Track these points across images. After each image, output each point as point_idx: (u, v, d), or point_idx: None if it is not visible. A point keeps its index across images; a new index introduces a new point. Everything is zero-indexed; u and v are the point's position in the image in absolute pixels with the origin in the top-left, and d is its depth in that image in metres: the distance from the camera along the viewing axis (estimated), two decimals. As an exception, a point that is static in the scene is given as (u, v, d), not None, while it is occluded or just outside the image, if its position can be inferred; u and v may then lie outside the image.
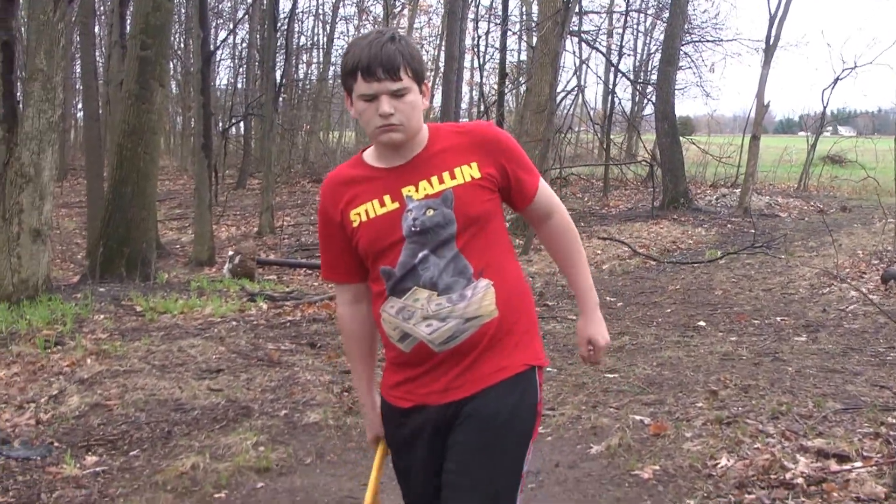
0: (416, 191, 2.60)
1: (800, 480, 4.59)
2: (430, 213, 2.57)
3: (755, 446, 5.14)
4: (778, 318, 9.20)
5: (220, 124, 30.66)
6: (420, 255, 2.57)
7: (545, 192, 2.80)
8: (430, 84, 2.70)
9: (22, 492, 5.01)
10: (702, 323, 9.20)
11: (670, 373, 7.07)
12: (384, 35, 2.53)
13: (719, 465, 4.96)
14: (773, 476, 4.69)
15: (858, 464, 4.75)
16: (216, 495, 4.96)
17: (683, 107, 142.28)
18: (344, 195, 2.68)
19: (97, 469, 5.33)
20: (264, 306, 10.58)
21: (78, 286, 11.95)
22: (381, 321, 2.69)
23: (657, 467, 5.07)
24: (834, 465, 4.76)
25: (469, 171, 2.62)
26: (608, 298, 10.94)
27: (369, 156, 2.72)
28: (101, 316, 9.67)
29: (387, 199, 2.62)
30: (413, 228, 2.57)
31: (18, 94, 10.78)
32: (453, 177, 2.61)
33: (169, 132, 41.40)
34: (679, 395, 6.38)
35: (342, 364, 7.85)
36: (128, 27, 17.20)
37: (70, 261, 17.31)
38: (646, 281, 12.30)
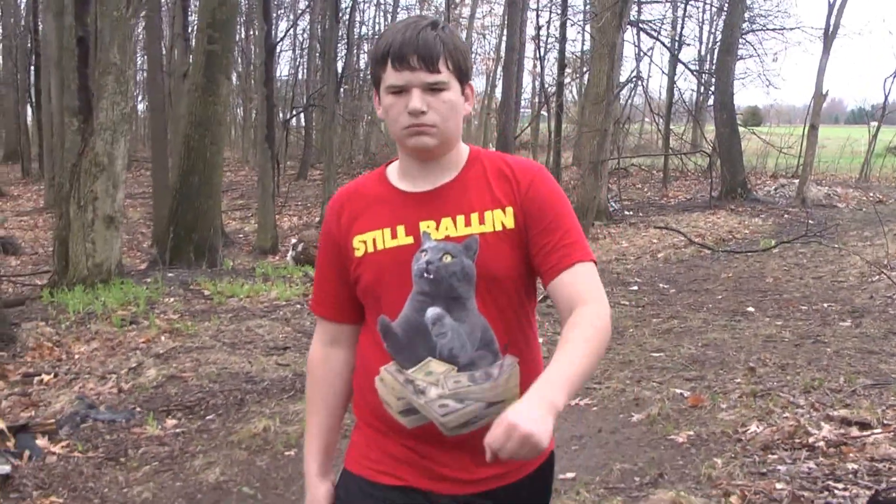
0: (437, 229, 2.13)
1: (821, 444, 5.07)
2: (448, 259, 2.10)
3: (784, 416, 5.61)
4: (825, 305, 9.60)
5: (282, 115, 31.41)
6: (431, 313, 2.10)
7: (586, 275, 2.13)
8: (474, 90, 2.20)
9: (110, 448, 5.67)
10: (750, 308, 9.62)
11: (714, 352, 7.54)
12: (424, 20, 2.10)
13: (749, 431, 5.45)
14: (797, 440, 5.17)
15: (878, 430, 5.21)
16: (286, 453, 5.58)
17: (749, 97, 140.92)
18: (352, 214, 2.22)
19: (177, 430, 5.99)
20: (326, 293, 11.23)
21: (147, 271, 12.70)
22: (378, 382, 2.17)
23: (692, 433, 5.57)
24: (855, 432, 5.23)
25: (502, 218, 2.14)
26: (661, 285, 11.42)
27: (393, 171, 2.24)
28: (171, 299, 10.37)
29: (400, 230, 2.14)
30: (426, 274, 2.10)
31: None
32: (482, 221, 2.13)
33: (230, 124, 42.39)
34: (719, 372, 6.85)
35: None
36: (190, 20, 17.94)
37: (136, 249, 18.09)
38: (699, 269, 12.73)
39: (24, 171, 32.30)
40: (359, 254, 2.18)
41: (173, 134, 19.91)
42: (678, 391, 6.45)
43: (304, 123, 34.91)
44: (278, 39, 25.17)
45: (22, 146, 33.14)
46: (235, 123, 44.54)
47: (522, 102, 29.99)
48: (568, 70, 26.33)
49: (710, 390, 6.39)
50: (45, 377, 7.46)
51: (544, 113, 28.46)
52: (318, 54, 33.27)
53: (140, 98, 34.37)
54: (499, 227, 2.13)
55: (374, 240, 2.16)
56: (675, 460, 5.22)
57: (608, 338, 2.10)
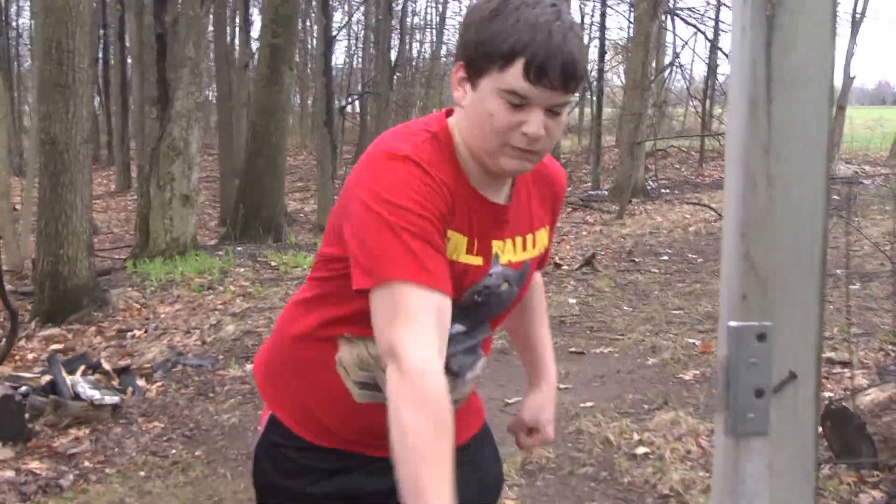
0: (503, 251, 1.83)
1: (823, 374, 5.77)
2: (505, 287, 1.84)
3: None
4: (837, 271, 10.20)
5: (338, 102, 32.23)
6: (457, 328, 1.78)
7: None
8: None
9: (199, 386, 6.51)
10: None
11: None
12: (565, 20, 1.64)
13: (746, 371, 6.16)
14: (784, 376, 5.87)
15: (857, 369, 5.90)
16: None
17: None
18: (449, 199, 1.70)
19: (255, 372, 6.82)
20: (384, 262, 12.11)
21: (218, 246, 13.59)
22: (343, 339, 1.82)
23: (697, 372, 6.30)
24: (836, 369, 5.93)
25: (542, 240, 1.94)
26: (690, 255, 12.09)
27: (465, 164, 1.77)
28: (242, 269, 11.22)
29: (475, 245, 1.77)
30: (477, 298, 1.81)
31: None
32: (534, 244, 1.91)
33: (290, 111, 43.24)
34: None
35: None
36: (251, 13, 18.71)
37: (204, 227, 18.99)
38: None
39: (94, 158, 33.43)
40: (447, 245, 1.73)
41: (235, 120, 20.83)
42: (691, 341, 7.16)
43: (359, 110, 35.64)
44: (337, 31, 25.97)
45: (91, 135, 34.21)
46: (294, 111, 45.45)
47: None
48: (608, 56, 26.90)
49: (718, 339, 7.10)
50: (137, 333, 8.35)
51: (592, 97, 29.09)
52: (372, 44, 34.06)
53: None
54: (541, 249, 1.94)
55: (455, 245, 1.74)
56: (681, 393, 5.95)
57: None
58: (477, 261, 1.77)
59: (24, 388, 5.92)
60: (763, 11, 1.20)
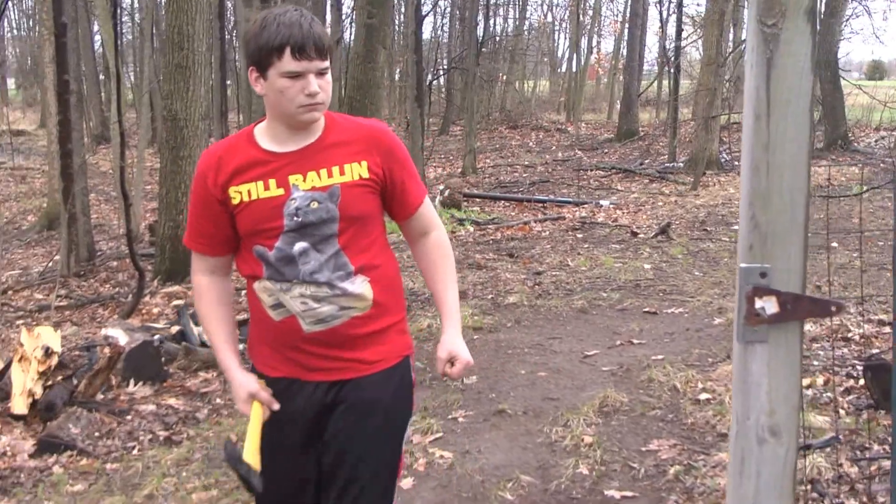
0: (304, 181, 2.45)
1: (856, 337, 6.18)
2: (315, 205, 2.44)
3: (835, 319, 6.71)
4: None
5: (426, 77, 32.72)
6: (298, 246, 2.45)
7: (428, 208, 2.68)
8: None
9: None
10: (834, 244, 10.57)
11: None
12: (306, 15, 2.38)
13: (805, 330, 6.57)
14: (838, 335, 6.29)
15: (906, 328, 6.29)
16: (443, 340, 6.98)
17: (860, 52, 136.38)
18: (226, 169, 2.49)
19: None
20: (471, 229, 12.74)
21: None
22: (255, 288, 2.52)
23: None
24: (886, 329, 6.31)
25: (358, 170, 2.49)
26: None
27: (261, 135, 2.51)
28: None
29: (272, 183, 2.46)
30: (295, 218, 2.43)
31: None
32: (342, 173, 2.48)
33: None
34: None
35: (534, 267, 9.87)
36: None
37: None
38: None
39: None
40: (235, 202, 2.46)
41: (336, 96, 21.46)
42: (756, 303, 7.59)
43: (445, 84, 36.07)
44: (427, 12, 26.43)
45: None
46: (334, 49, 45.79)
47: (649, 61, 30.58)
48: (686, 33, 26.92)
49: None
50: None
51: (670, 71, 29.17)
52: (458, 20, 34.47)
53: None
54: (356, 177, 2.48)
55: (248, 191, 2.45)
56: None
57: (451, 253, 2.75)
58: (279, 192, 2.45)
59: (158, 337, 6.59)
60: (764, 56, 1.76)
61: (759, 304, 1.84)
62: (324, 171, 2.46)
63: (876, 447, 4.43)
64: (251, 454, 2.47)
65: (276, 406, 2.52)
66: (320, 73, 2.39)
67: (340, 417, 2.53)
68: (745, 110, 1.85)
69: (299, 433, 2.57)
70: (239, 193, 2.46)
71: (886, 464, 4.20)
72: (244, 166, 2.47)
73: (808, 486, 4.05)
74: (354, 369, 2.54)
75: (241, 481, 2.48)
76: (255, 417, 2.52)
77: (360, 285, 2.48)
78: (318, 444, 2.58)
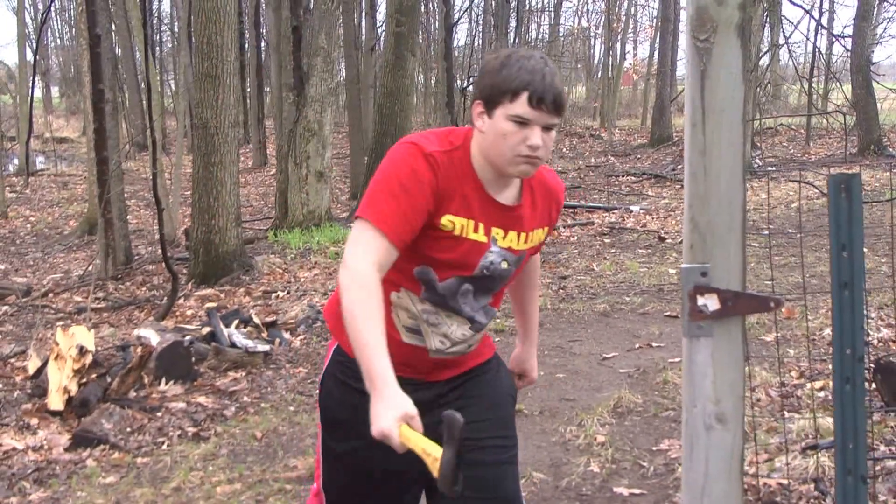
0: (503, 238, 2.42)
1: (875, 341, 6.25)
2: (504, 265, 2.43)
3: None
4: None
5: (459, 82, 32.93)
6: (465, 287, 2.42)
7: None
8: None
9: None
10: (864, 250, 10.59)
11: (817, 281, 8.66)
12: (551, 67, 2.32)
13: (823, 334, 6.66)
14: (855, 337, 6.36)
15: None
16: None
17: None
18: (448, 189, 2.34)
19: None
20: (499, 234, 12.87)
21: (349, 218, 14.45)
22: (397, 299, 2.43)
23: (778, 334, 6.81)
24: (902, 332, 6.39)
25: (541, 236, 2.54)
26: (789, 230, 12.45)
27: (478, 167, 2.39)
28: (371, 239, 12.03)
29: (481, 227, 2.38)
30: (485, 271, 2.41)
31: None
32: (530, 240, 2.49)
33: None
34: (816, 295, 7.99)
35: (560, 272, 9.98)
36: (377, 2, 19.39)
37: (336, 201, 19.93)
38: (826, 217, 13.60)
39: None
40: (446, 229, 2.33)
41: (363, 101, 21.69)
42: (776, 307, 7.65)
43: (479, 90, 36.04)
44: (456, 20, 26.61)
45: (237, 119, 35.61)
46: (417, 91, 46.25)
47: (677, 67, 30.56)
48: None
49: (803, 307, 7.58)
50: (280, 294, 9.22)
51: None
52: (491, 27, 34.61)
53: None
54: (536, 244, 2.51)
55: (462, 226, 2.34)
56: (761, 352, 6.48)
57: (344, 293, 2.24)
58: (482, 238, 2.38)
59: (189, 337, 6.79)
60: (698, 68, 1.91)
61: (701, 301, 1.97)
62: (522, 236, 2.45)
63: (882, 448, 4.52)
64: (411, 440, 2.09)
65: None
66: (546, 129, 2.30)
67: (467, 389, 2.55)
68: (685, 119, 1.98)
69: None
70: (452, 223, 2.35)
71: (891, 464, 4.30)
72: (462, 197, 2.36)
73: (812, 485, 4.15)
74: (454, 370, 2.56)
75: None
76: (414, 437, 2.08)
77: (487, 319, 2.52)
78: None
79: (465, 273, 2.38)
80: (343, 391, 2.51)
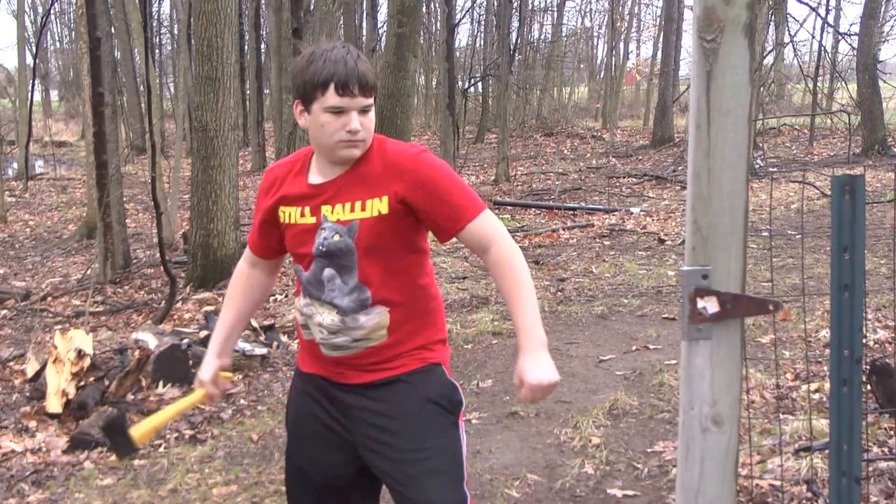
0: (332, 212, 2.55)
1: (871, 343, 6.30)
2: (336, 238, 2.53)
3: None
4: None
5: (460, 84, 32.94)
6: (326, 272, 2.55)
7: (478, 226, 2.56)
8: None
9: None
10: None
11: (814, 283, 8.72)
12: (353, 52, 2.47)
13: (819, 335, 6.71)
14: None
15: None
16: (465, 346, 7.19)
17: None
18: (279, 191, 2.66)
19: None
20: (498, 236, 12.94)
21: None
22: (296, 302, 2.71)
23: (774, 336, 6.86)
24: (902, 335, 6.44)
25: (378, 206, 2.52)
26: (789, 232, 12.50)
27: (313, 166, 2.64)
28: (370, 242, 12.12)
29: (307, 211, 2.59)
30: (321, 248, 2.54)
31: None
32: (363, 209, 2.53)
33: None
34: (814, 297, 8.05)
35: (559, 274, 10.04)
36: (378, 2, 19.45)
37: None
38: (826, 218, 13.65)
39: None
40: (282, 220, 2.64)
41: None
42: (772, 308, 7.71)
43: (481, 91, 36.28)
44: (457, 20, 26.67)
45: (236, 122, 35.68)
46: (418, 92, 46.30)
47: (681, 66, 30.59)
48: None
49: (800, 308, 7.63)
50: (278, 297, 9.27)
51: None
52: (493, 27, 34.66)
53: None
54: (375, 213, 2.50)
55: (290, 214, 2.61)
56: (756, 354, 6.54)
57: (525, 265, 2.57)
58: (312, 220, 2.56)
59: (186, 341, 6.85)
60: (704, 69, 1.93)
61: (700, 303, 2.01)
62: (347, 206, 2.53)
63: (875, 449, 4.57)
64: (144, 430, 2.69)
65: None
66: (363, 111, 2.46)
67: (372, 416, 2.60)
68: (689, 119, 2.00)
69: (330, 425, 2.67)
70: (284, 214, 2.63)
71: (883, 465, 4.35)
72: (292, 194, 2.61)
73: (804, 486, 4.20)
74: (375, 373, 2.60)
75: (112, 447, 2.72)
76: (185, 402, 2.85)
77: (376, 317, 2.54)
78: (349, 441, 2.66)
79: (310, 255, 2.56)
80: (292, 392, 2.87)
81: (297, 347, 2.97)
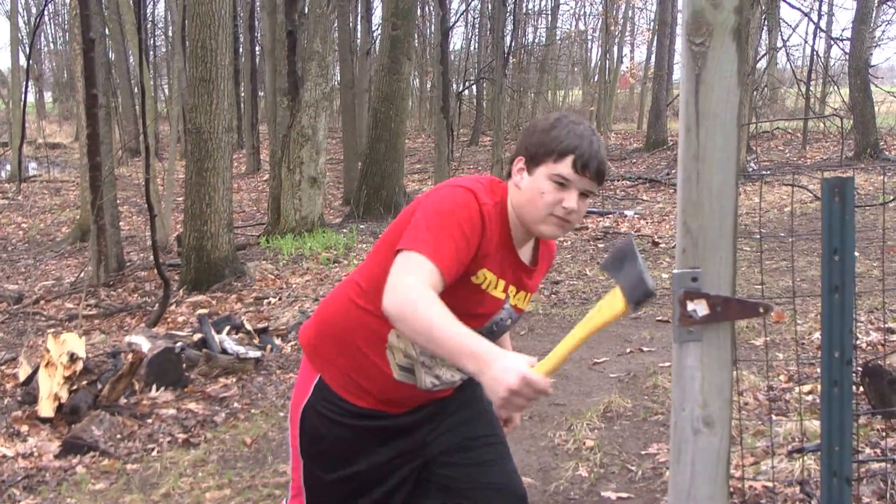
0: (514, 295, 2.51)
1: (863, 345, 6.31)
2: (509, 322, 2.53)
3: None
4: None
5: (455, 87, 32.95)
6: None
7: None
8: None
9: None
10: (855, 254, 10.66)
11: (807, 285, 8.72)
12: (598, 136, 2.40)
13: (812, 338, 6.71)
14: (845, 342, 6.42)
15: (908, 336, 6.42)
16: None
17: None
18: (491, 244, 2.39)
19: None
20: (492, 238, 12.94)
21: (343, 224, 14.52)
22: (396, 339, 2.47)
23: (767, 339, 6.87)
24: (894, 337, 6.44)
25: (530, 299, 2.60)
26: (781, 234, 12.51)
27: (512, 224, 2.46)
28: (364, 245, 12.11)
29: (501, 284, 2.46)
30: (494, 328, 2.50)
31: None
32: (528, 301, 2.58)
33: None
34: (806, 299, 8.06)
35: (552, 276, 10.05)
36: (373, 5, 19.47)
37: (328, 206, 19.99)
38: (819, 221, 13.66)
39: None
40: (476, 281, 2.39)
41: (357, 105, 21.74)
42: (767, 312, 7.72)
43: (475, 94, 36.28)
44: (452, 23, 26.69)
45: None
46: (412, 95, 46.31)
47: (674, 70, 30.63)
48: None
49: (792, 311, 7.64)
50: (272, 300, 9.27)
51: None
52: (488, 30, 34.68)
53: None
54: (529, 307, 2.60)
55: (490, 282, 2.41)
56: (750, 356, 6.55)
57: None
58: (501, 295, 2.47)
59: (180, 344, 6.84)
60: (693, 72, 1.94)
61: (690, 306, 2.01)
62: (523, 295, 2.53)
63: (868, 450, 4.58)
64: (549, 366, 2.08)
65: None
66: (583, 195, 2.38)
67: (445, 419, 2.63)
68: (679, 123, 2.00)
69: (383, 447, 2.59)
70: (484, 277, 2.41)
71: (875, 466, 4.36)
72: (497, 255, 2.42)
73: (797, 488, 4.21)
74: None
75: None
76: (548, 360, 2.09)
77: None
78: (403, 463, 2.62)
79: (475, 325, 2.29)
80: (330, 426, 2.57)
81: (300, 357, 2.65)
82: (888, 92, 23.14)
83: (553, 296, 9.16)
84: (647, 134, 28.03)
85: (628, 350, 7.00)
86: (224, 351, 6.86)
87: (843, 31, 29.95)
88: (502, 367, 1.97)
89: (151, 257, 9.67)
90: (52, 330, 8.43)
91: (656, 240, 12.64)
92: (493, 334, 2.50)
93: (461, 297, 2.34)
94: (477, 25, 38.83)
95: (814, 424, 4.92)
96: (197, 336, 7.17)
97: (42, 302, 10.53)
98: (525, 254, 2.52)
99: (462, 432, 2.62)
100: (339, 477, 2.60)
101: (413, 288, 2.15)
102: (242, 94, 30.16)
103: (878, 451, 4.58)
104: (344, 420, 2.54)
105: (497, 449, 2.67)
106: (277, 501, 4.51)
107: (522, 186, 2.39)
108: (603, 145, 2.39)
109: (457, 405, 2.65)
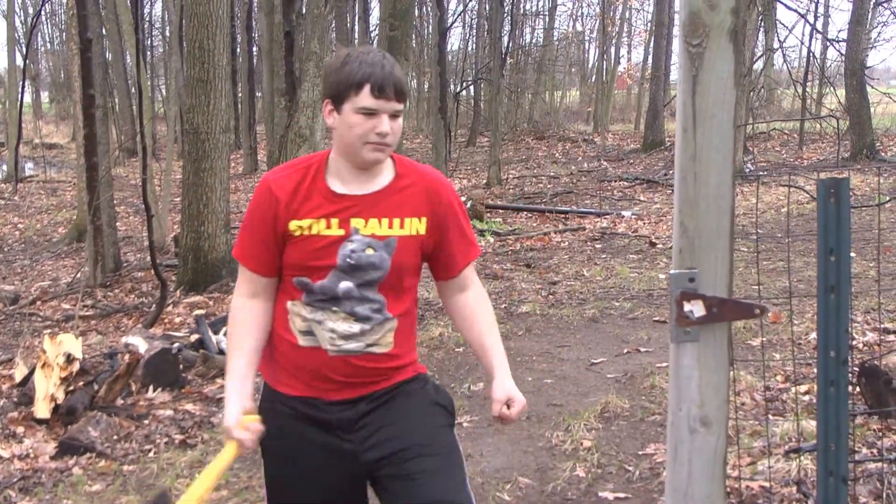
0: (365, 226, 2.51)
1: (860, 345, 6.32)
2: (370, 252, 2.50)
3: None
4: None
5: (453, 87, 32.91)
6: (343, 285, 2.50)
7: (471, 268, 2.73)
8: None
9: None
10: (851, 254, 10.66)
11: (804, 286, 8.73)
12: (389, 58, 2.48)
13: (809, 338, 6.72)
14: (842, 342, 6.43)
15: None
16: (456, 349, 7.17)
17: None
18: (290, 202, 2.52)
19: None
20: (491, 240, 12.98)
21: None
22: (288, 307, 2.57)
23: (764, 339, 6.87)
24: (890, 337, 6.45)
25: (417, 226, 2.56)
26: (778, 234, 12.52)
27: (329, 172, 2.55)
28: (362, 245, 12.11)
29: (334, 222, 2.50)
30: (348, 260, 2.49)
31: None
32: (402, 226, 2.54)
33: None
34: (803, 300, 8.06)
35: (550, 277, 10.06)
36: (370, 6, 19.47)
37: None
38: (815, 222, 13.67)
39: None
40: (297, 234, 2.49)
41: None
42: (763, 312, 7.73)
43: (473, 94, 36.25)
44: (449, 24, 26.68)
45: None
46: (410, 95, 46.14)
47: (671, 71, 30.65)
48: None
49: (789, 311, 7.64)
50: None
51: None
52: (485, 31, 34.67)
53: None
54: (413, 233, 2.54)
55: (309, 226, 2.48)
56: (747, 356, 6.55)
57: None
58: (339, 232, 2.49)
59: (177, 345, 6.83)
60: (690, 73, 1.94)
61: (687, 307, 2.02)
62: (385, 221, 2.52)
63: (864, 450, 4.58)
64: (200, 494, 2.45)
65: (249, 447, 2.53)
66: (393, 116, 2.44)
67: (382, 414, 2.58)
68: (676, 123, 2.01)
69: (321, 451, 2.58)
70: (300, 228, 2.49)
71: (872, 466, 4.36)
72: (308, 202, 2.50)
73: (794, 487, 4.21)
74: (373, 385, 2.58)
75: None
76: (220, 461, 2.54)
77: (388, 324, 2.54)
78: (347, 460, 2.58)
79: (330, 268, 2.48)
80: (272, 421, 2.59)
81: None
82: (884, 93, 23.14)
83: (550, 296, 9.16)
84: (645, 134, 28.03)
85: (625, 350, 7.01)
86: (221, 352, 6.84)
87: (839, 32, 30.09)
88: (226, 411, 2.55)
89: (148, 258, 9.68)
90: (49, 331, 8.41)
91: (653, 240, 12.66)
92: (360, 269, 2.50)
93: (294, 251, 2.51)
94: (474, 26, 38.78)
95: (810, 424, 4.92)
96: (194, 337, 7.16)
97: (38, 302, 10.52)
98: (365, 185, 2.53)
99: (395, 444, 2.56)
100: (284, 476, 2.68)
101: (231, 306, 2.64)
102: (240, 95, 30.14)
103: (875, 450, 4.58)
104: (282, 410, 2.60)
105: (432, 461, 2.57)
106: None
107: (336, 126, 2.48)
108: (395, 64, 2.47)
109: (396, 404, 2.61)
